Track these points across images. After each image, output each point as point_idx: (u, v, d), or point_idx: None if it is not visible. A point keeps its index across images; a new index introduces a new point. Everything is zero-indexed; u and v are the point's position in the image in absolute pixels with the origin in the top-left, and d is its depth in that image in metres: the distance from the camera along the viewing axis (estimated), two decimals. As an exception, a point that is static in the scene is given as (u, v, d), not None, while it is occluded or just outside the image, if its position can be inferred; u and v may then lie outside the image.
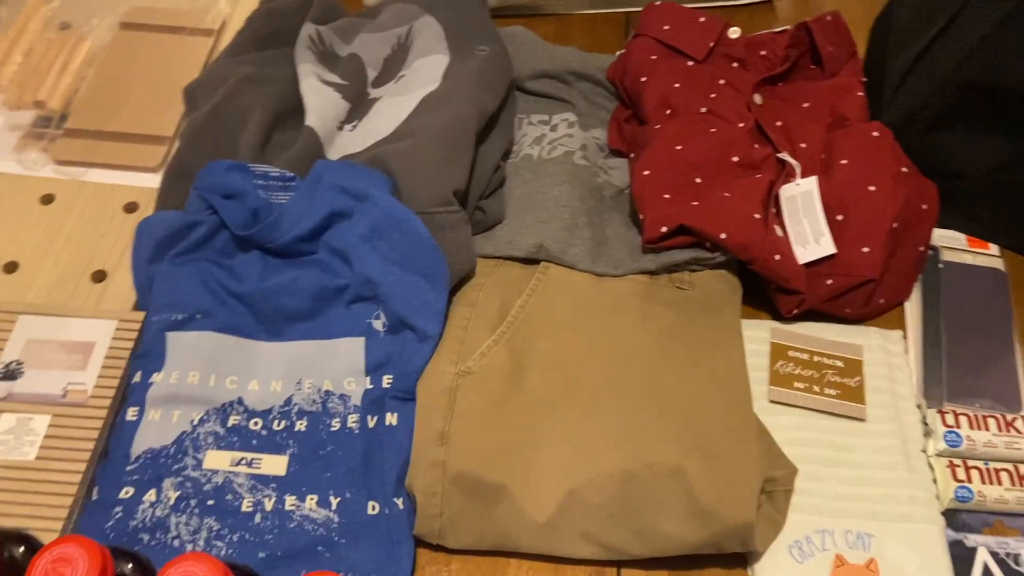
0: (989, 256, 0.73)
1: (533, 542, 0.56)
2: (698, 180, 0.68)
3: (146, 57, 0.84)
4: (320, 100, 0.72)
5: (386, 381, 0.61)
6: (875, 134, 0.68)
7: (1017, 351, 0.68)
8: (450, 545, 0.57)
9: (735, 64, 0.78)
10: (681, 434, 0.57)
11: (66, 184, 0.75)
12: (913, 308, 0.70)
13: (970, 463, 0.61)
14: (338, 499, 0.57)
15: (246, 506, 0.57)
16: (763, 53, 0.78)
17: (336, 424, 0.60)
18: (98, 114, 0.79)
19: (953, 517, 0.60)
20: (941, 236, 0.74)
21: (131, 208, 0.74)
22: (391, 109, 0.73)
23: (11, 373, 0.62)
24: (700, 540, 0.54)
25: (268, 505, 0.57)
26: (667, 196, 0.66)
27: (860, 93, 0.73)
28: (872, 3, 0.93)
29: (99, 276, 0.69)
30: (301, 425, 0.60)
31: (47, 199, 0.74)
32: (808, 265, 0.65)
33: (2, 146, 0.77)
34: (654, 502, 0.54)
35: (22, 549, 0.44)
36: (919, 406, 0.64)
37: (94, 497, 0.57)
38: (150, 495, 0.57)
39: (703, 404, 0.58)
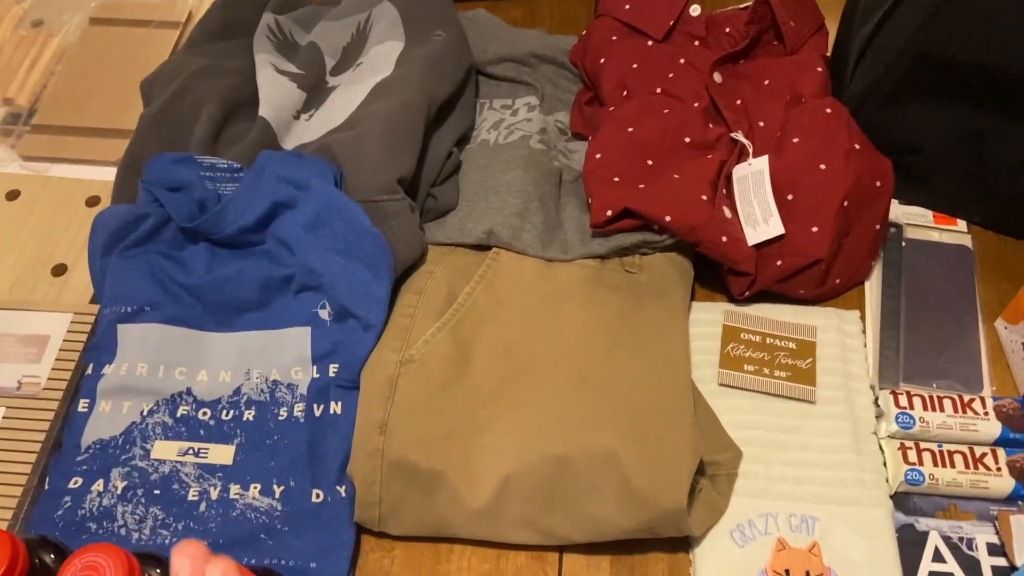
0: (956, 233, 0.71)
1: (472, 528, 0.56)
2: (649, 162, 0.67)
3: (113, 51, 0.85)
4: (275, 90, 0.72)
5: (332, 370, 0.61)
6: (828, 111, 0.66)
7: (981, 330, 0.66)
8: (392, 531, 0.57)
9: (696, 42, 0.76)
10: (617, 420, 0.56)
11: (31, 179, 0.76)
12: (873, 288, 0.68)
13: (923, 445, 0.60)
14: (282, 488, 0.58)
15: (192, 495, 0.58)
16: (727, 30, 0.77)
17: (283, 413, 0.61)
18: (65, 110, 0.80)
19: (904, 501, 0.59)
20: (907, 213, 0.72)
21: (93, 202, 0.75)
22: (346, 97, 0.73)
23: (-31, 367, 0.63)
24: (634, 525, 0.53)
25: (213, 494, 0.58)
26: (616, 179, 0.66)
27: (820, 69, 0.71)
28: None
29: (60, 270, 0.71)
30: (249, 415, 0.61)
31: (12, 195, 0.75)
32: (758, 246, 0.64)
33: (-29, 144, 0.79)
34: (587, 487, 0.54)
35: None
36: (872, 387, 0.63)
37: (46, 487, 0.59)
38: (98, 485, 0.58)
39: (641, 390, 0.58)
